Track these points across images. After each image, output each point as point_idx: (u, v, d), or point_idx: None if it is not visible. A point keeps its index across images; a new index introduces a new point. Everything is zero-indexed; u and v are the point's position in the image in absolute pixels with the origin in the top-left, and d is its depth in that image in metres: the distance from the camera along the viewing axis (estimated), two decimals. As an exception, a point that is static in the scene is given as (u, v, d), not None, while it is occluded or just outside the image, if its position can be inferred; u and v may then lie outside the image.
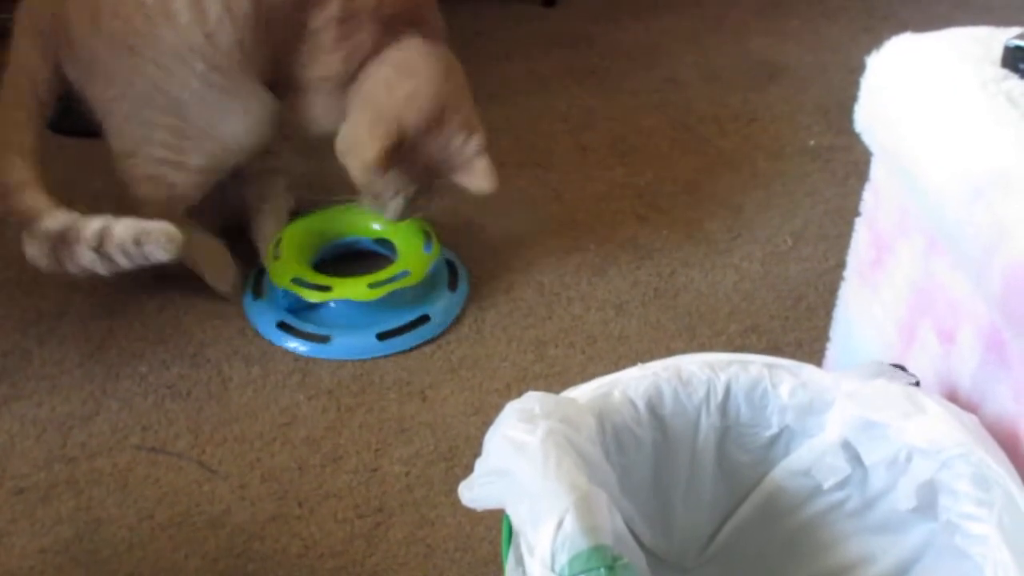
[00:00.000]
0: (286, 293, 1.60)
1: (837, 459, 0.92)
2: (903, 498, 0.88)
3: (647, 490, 0.96)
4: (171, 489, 1.36)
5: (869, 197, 1.14)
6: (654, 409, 0.92)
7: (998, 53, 0.93)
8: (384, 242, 1.73)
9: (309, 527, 1.31)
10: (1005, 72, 0.92)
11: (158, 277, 1.70)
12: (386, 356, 1.56)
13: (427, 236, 1.68)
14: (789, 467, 0.96)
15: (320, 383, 1.52)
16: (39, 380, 1.51)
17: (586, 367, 1.55)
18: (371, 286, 1.59)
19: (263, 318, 1.62)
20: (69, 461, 1.39)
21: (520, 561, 0.77)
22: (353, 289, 1.59)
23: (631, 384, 0.91)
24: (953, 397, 0.95)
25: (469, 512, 1.29)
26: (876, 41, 1.06)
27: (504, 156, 2.03)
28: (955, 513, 0.82)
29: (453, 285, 1.69)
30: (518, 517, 0.77)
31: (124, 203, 1.54)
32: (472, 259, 1.76)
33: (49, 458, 1.39)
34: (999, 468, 0.81)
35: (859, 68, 1.07)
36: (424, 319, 1.61)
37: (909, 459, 0.87)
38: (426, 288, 1.64)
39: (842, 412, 0.91)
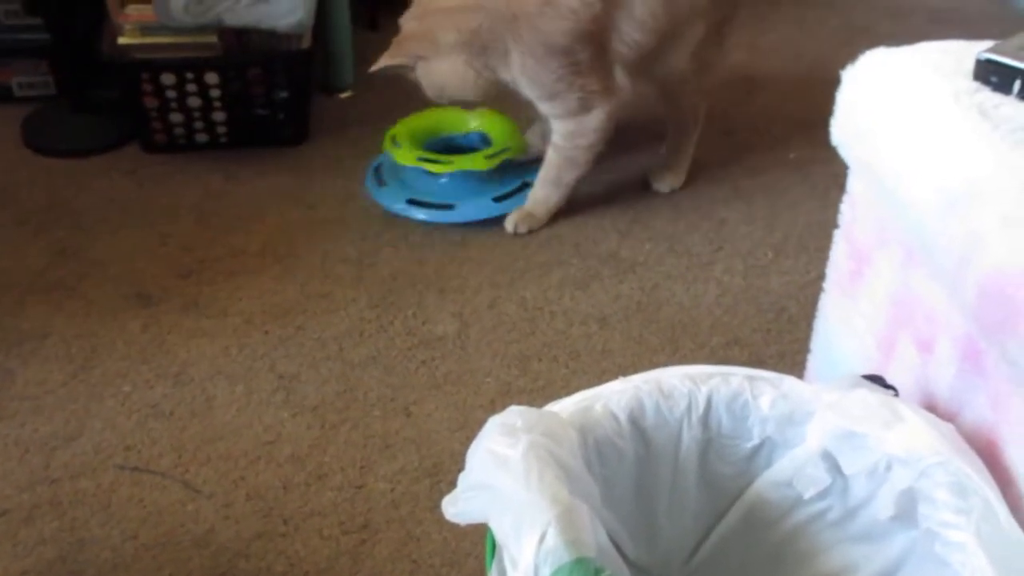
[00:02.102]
0: (414, 170, 1.90)
1: (818, 469, 0.93)
2: (883, 507, 0.89)
3: (630, 502, 0.96)
4: (155, 509, 1.35)
5: (847, 210, 1.15)
6: (636, 422, 0.92)
7: (970, 66, 0.94)
8: (479, 135, 2.03)
9: (294, 545, 1.31)
10: (977, 85, 0.93)
11: (141, 296, 1.70)
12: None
13: (517, 126, 2.01)
14: (771, 478, 0.97)
15: (304, 400, 1.52)
16: (22, 401, 1.51)
17: (570, 381, 1.56)
18: (487, 157, 1.91)
19: (392, 199, 1.92)
20: (52, 482, 1.38)
21: (504, 575, 0.77)
22: (473, 161, 1.91)
23: (613, 397, 0.92)
24: (932, 406, 0.96)
25: (455, 527, 1.30)
26: (854, 55, 1.07)
27: (487, 172, 2.04)
28: (934, 521, 0.83)
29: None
30: (501, 531, 0.77)
31: None
32: (455, 275, 1.77)
33: (32, 479, 1.39)
34: (977, 476, 0.81)
35: (838, 81, 1.08)
36: (527, 184, 1.93)
37: (889, 468, 0.88)
38: (522, 162, 1.99)
39: (822, 423, 0.92)
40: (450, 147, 2.00)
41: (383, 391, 1.54)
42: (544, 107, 1.81)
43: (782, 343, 1.63)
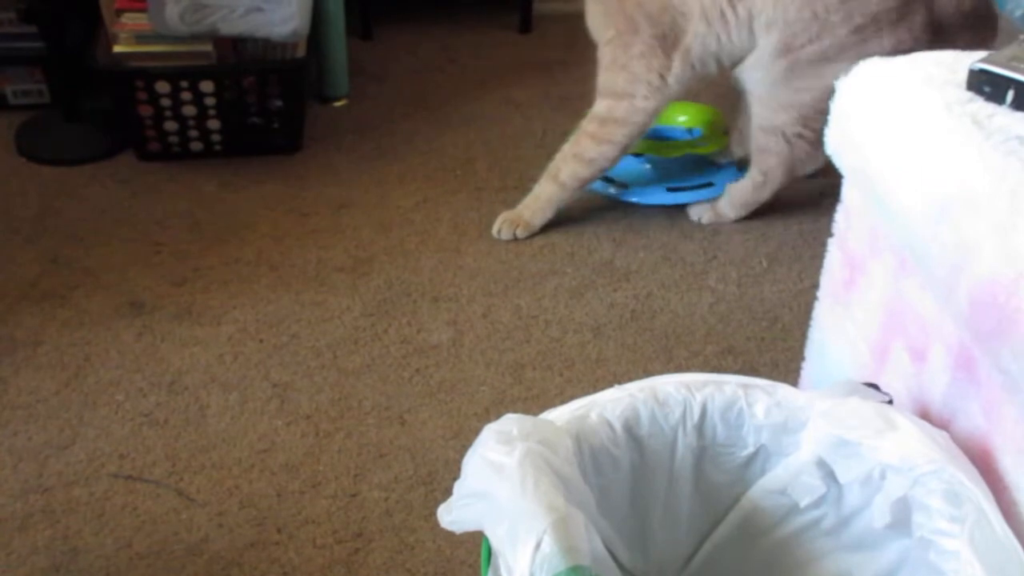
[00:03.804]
0: None
1: (812, 477, 0.93)
2: (878, 515, 0.89)
3: (625, 510, 0.96)
4: (148, 517, 1.35)
5: (841, 219, 1.15)
6: (631, 430, 0.92)
7: (963, 76, 0.95)
8: (690, 130, 2.07)
9: (288, 553, 1.31)
10: (970, 95, 0.94)
11: (135, 305, 1.70)
12: (672, 206, 1.96)
13: (726, 126, 2.05)
14: (765, 486, 0.97)
15: (298, 409, 1.51)
16: (15, 409, 1.50)
17: (564, 390, 1.56)
18: (669, 147, 1.98)
19: None
20: (45, 491, 1.38)
21: (499, 583, 0.78)
22: (656, 148, 1.98)
23: (608, 405, 0.92)
24: (925, 415, 0.96)
25: (449, 536, 1.30)
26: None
27: (481, 181, 2.04)
28: (928, 529, 0.83)
29: (741, 165, 1.99)
30: (496, 539, 0.77)
31: None
32: (449, 283, 1.77)
33: (25, 488, 1.38)
34: (971, 484, 0.82)
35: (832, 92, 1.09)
36: (708, 184, 1.97)
37: (883, 476, 0.88)
38: (717, 163, 2.02)
39: (816, 431, 0.92)
40: (658, 137, 2.05)
41: (377, 399, 1.54)
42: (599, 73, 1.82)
43: (776, 351, 1.64)
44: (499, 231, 1.88)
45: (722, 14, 1.66)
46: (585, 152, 1.83)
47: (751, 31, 1.67)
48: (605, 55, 1.78)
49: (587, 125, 1.83)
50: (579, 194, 1.92)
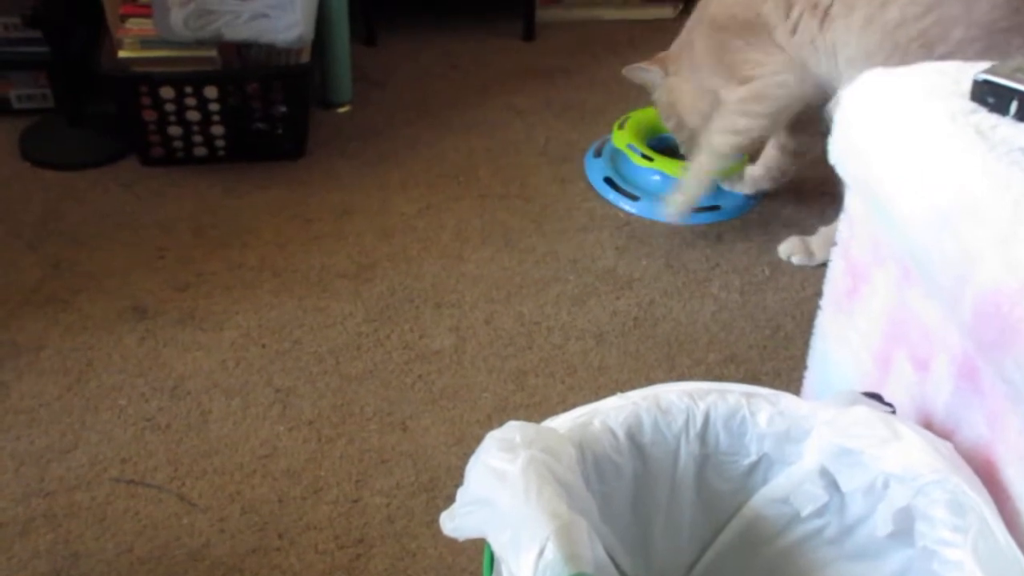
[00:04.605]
0: (618, 153, 2.05)
1: (815, 486, 0.93)
2: (881, 524, 0.89)
3: (627, 518, 0.96)
4: (150, 522, 1.35)
5: (844, 227, 1.15)
6: (634, 438, 0.92)
7: (967, 87, 0.95)
8: None
9: (289, 559, 1.31)
10: (974, 105, 0.94)
11: (138, 309, 1.70)
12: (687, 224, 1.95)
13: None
14: (768, 495, 0.97)
15: (300, 414, 1.51)
16: (17, 414, 1.50)
17: (566, 397, 1.56)
18: (684, 168, 1.92)
19: (595, 172, 2.07)
20: (47, 495, 1.38)
21: (502, 590, 0.78)
22: (670, 166, 1.97)
23: (611, 413, 0.92)
24: (928, 424, 0.96)
25: (451, 543, 1.30)
26: (850, 74, 1.09)
27: (483, 188, 2.05)
28: (931, 539, 0.83)
29: (754, 196, 2.03)
30: (499, 546, 0.77)
31: None
32: (452, 289, 1.77)
33: (27, 492, 1.38)
34: (974, 494, 0.82)
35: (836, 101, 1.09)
36: (716, 207, 1.97)
37: (886, 486, 0.88)
38: (727, 187, 2.02)
39: (819, 440, 0.92)
40: (669, 147, 2.03)
41: (379, 405, 1.54)
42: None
43: (778, 360, 1.64)
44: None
45: (812, 40, 1.62)
46: (734, 124, 1.79)
47: (837, 65, 1.62)
48: (724, 96, 1.77)
49: (725, 107, 1.78)
50: (578, 204, 1.92)
